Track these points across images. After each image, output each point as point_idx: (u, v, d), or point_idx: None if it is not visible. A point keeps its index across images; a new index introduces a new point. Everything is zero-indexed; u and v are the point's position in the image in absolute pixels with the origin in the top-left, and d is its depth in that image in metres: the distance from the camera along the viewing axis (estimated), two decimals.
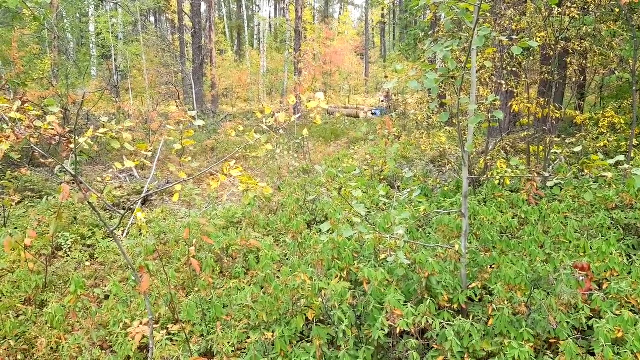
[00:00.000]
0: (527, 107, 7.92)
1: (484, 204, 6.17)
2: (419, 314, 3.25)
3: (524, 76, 8.11)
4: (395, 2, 39.96)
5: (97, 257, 6.06)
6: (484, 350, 3.18)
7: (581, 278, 3.46)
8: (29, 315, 4.43)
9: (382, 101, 24.50)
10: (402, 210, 5.09)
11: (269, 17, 47.13)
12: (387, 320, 3.21)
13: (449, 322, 3.26)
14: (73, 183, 2.95)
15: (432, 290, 3.74)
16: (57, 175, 9.52)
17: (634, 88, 7.06)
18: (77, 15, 25.97)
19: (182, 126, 3.28)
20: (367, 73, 35.83)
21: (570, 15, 6.90)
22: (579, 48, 7.61)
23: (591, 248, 4.30)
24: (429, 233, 5.10)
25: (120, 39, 25.03)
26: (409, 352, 3.11)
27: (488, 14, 6.90)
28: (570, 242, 4.63)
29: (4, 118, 2.93)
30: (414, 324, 3.20)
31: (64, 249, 6.42)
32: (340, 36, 38.59)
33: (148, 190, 7.14)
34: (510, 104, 8.33)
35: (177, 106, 18.74)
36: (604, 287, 3.79)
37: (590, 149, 8.56)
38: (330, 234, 4.46)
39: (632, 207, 5.38)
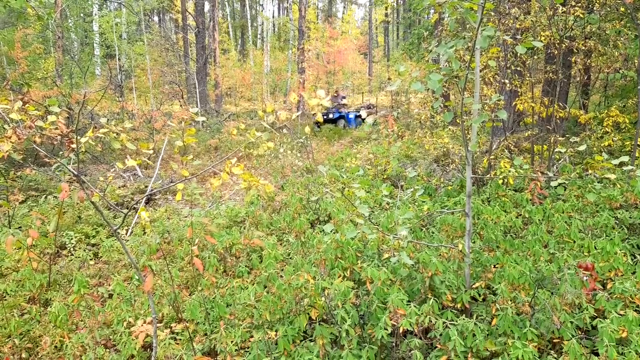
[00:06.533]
0: (531, 106, 7.90)
1: (488, 203, 6.16)
2: (422, 314, 3.24)
3: (528, 75, 8.08)
4: (399, 1, 39.85)
5: (101, 256, 6.08)
6: (487, 350, 3.17)
7: (585, 278, 3.45)
8: (33, 313, 4.45)
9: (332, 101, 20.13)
10: (406, 209, 5.09)
11: (273, 17, 47.18)
12: (390, 320, 3.20)
13: (452, 322, 3.25)
14: (76, 182, 2.96)
15: (435, 289, 3.73)
16: (59, 174, 9.57)
17: (638, 87, 7.03)
18: (81, 14, 26.03)
19: (184, 124, 3.28)
20: (370, 72, 35.76)
21: (575, 14, 6.87)
22: (584, 47, 7.57)
23: (595, 248, 4.28)
24: (433, 232, 5.10)
25: (124, 38, 25.07)
26: (412, 352, 3.10)
27: (492, 13, 6.88)
28: (574, 241, 4.61)
29: (6, 119, 2.94)
30: (417, 324, 3.19)
31: (68, 248, 6.44)
32: (343, 35, 38.55)
33: (152, 189, 7.17)
34: (514, 103, 8.31)
35: (181, 105, 18.77)
36: (608, 286, 3.77)
37: (595, 148, 8.52)
38: (334, 233, 4.46)
39: (637, 206, 5.35)
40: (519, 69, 7.87)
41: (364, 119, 19.42)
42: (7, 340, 4.04)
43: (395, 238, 3.53)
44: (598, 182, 5.84)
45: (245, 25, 38.90)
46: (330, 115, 19.01)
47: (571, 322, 3.27)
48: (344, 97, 20.52)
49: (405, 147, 11.41)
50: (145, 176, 11.22)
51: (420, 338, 3.22)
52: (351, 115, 19.16)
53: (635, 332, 3.08)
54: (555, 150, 6.99)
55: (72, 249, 6.42)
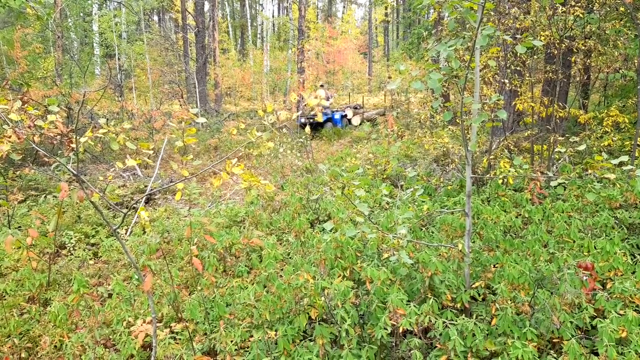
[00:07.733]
0: (530, 106, 7.90)
1: (488, 203, 6.16)
2: (421, 313, 3.24)
3: (527, 75, 8.08)
4: (399, 0, 39.83)
5: (101, 256, 6.08)
6: (487, 349, 3.17)
7: (585, 277, 3.45)
8: (32, 313, 4.45)
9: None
10: (405, 209, 5.08)
11: (272, 16, 47.15)
12: (390, 320, 3.20)
13: (452, 322, 3.25)
14: (76, 182, 2.95)
15: (435, 289, 3.73)
16: (58, 174, 9.55)
17: (638, 87, 7.03)
18: (81, 14, 26.05)
19: (184, 124, 3.28)
20: (370, 72, 35.73)
21: (575, 14, 6.87)
22: (583, 47, 7.57)
23: (595, 247, 4.28)
24: (432, 232, 5.09)
25: (124, 38, 25.09)
26: (411, 352, 3.10)
27: (492, 13, 6.88)
28: (574, 241, 4.61)
29: (5, 119, 2.94)
30: (416, 323, 3.19)
31: (68, 248, 6.44)
32: (343, 35, 38.51)
33: (151, 189, 7.16)
34: (514, 103, 8.31)
35: (180, 105, 18.75)
36: (608, 286, 3.77)
37: (594, 148, 8.52)
38: (333, 233, 4.46)
39: (636, 206, 5.35)
40: (518, 68, 7.87)
41: (350, 119, 19.15)
42: (6, 339, 4.04)
43: (395, 237, 3.53)
44: (598, 182, 5.84)
45: (245, 25, 38.88)
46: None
47: (571, 322, 3.27)
48: (329, 98, 19.41)
49: (405, 146, 11.41)
50: (144, 176, 11.21)
51: (420, 338, 3.21)
52: (337, 116, 18.46)
53: (634, 332, 3.08)
54: (555, 150, 6.99)
55: (71, 249, 6.42)
